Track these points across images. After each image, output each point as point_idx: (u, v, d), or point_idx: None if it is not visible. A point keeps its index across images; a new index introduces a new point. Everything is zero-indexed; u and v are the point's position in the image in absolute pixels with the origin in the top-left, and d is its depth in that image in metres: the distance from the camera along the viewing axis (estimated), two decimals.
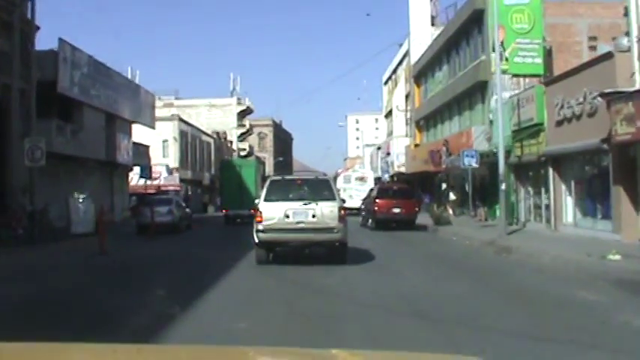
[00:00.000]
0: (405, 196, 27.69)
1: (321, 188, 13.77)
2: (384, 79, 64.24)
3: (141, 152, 40.32)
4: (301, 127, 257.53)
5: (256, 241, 13.42)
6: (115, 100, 32.28)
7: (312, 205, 13.24)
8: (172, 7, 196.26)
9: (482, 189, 28.99)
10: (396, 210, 26.47)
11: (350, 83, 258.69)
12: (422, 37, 45.86)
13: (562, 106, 20.20)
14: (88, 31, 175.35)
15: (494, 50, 28.95)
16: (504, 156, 20.95)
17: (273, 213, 13.17)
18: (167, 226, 26.19)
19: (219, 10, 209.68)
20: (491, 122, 28.50)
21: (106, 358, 2.76)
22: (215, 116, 79.47)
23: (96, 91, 29.64)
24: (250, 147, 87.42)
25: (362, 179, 46.54)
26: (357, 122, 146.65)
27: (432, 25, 46.62)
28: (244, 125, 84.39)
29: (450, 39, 35.17)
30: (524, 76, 28.88)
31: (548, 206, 22.44)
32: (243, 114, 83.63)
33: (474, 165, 23.38)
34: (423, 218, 34.26)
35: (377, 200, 26.94)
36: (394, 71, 58.00)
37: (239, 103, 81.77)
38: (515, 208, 25.64)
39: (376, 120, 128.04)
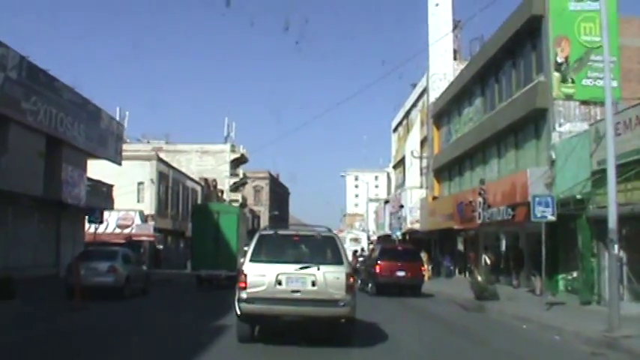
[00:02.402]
0: (411, 258, 25.51)
1: (324, 248, 10.92)
2: (394, 125, 57.38)
3: (102, 193, 33.04)
4: (299, 183, 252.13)
5: (238, 313, 10.52)
6: (61, 121, 25.10)
7: (313, 269, 10.35)
8: (163, 49, 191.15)
9: (538, 253, 21.57)
10: (401, 273, 24.28)
11: (350, 139, 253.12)
12: (443, 72, 40.28)
13: None
14: (77, 69, 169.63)
15: (557, 70, 22.43)
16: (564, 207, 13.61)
17: (261, 278, 10.40)
18: (107, 290, 18.85)
19: (217, 54, 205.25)
20: (552, 162, 21.45)
21: None
22: (207, 163, 74.11)
23: (31, 106, 22.52)
24: (244, 198, 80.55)
25: (357, 240, 49.90)
26: (357, 179, 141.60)
27: (455, 59, 40.71)
28: (237, 175, 77.82)
29: (486, 65, 28.45)
30: (595, 102, 22.25)
31: None
32: (237, 162, 77.58)
33: (550, 217, 16.07)
34: (444, 285, 28.53)
35: (379, 262, 24.57)
36: (407, 115, 51.23)
37: (233, 151, 75.81)
38: (597, 281, 18.29)
39: (376, 177, 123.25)
